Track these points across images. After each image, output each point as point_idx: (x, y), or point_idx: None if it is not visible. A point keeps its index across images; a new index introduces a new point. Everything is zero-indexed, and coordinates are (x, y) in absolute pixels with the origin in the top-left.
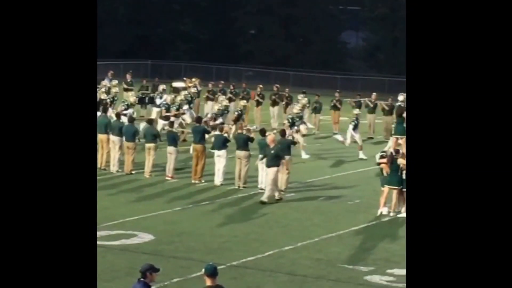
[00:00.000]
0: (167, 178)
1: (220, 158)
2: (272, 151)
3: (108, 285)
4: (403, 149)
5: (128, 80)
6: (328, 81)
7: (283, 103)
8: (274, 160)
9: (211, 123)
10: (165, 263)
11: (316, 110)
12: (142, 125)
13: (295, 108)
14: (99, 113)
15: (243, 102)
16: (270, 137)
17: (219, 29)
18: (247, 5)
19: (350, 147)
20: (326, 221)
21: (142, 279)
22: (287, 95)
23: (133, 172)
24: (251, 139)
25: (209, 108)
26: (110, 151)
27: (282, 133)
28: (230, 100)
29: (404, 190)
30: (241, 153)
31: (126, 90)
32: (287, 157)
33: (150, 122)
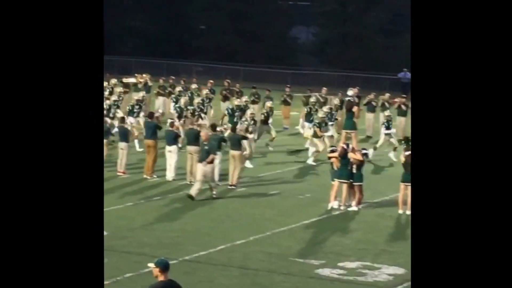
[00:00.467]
0: (119, 173)
1: (171, 154)
2: (205, 147)
3: None
4: (353, 143)
5: None
6: (279, 76)
7: (234, 98)
8: (207, 156)
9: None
10: (117, 258)
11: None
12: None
13: (321, 112)
14: None
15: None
16: (203, 133)
17: (169, 25)
18: (197, 1)
19: (299, 142)
20: (278, 215)
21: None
22: (237, 90)
23: None
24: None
25: (160, 103)
26: None
27: (233, 128)
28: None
29: (355, 184)
30: (192, 149)
31: None
32: (238, 152)
33: None
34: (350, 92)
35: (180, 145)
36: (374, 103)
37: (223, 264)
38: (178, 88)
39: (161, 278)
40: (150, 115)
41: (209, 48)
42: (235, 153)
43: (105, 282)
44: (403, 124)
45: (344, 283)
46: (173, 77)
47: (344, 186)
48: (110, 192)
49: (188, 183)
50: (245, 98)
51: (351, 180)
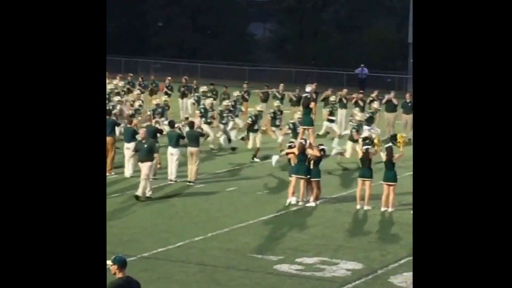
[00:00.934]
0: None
1: (129, 151)
2: (145, 146)
3: None
4: (310, 139)
5: None
6: (236, 72)
7: (192, 94)
8: (148, 155)
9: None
10: None
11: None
12: None
13: (358, 115)
14: None
15: (165, 97)
16: (141, 131)
17: (127, 22)
18: None
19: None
20: (236, 212)
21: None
22: (195, 87)
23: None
24: (160, 131)
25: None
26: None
27: (191, 124)
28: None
29: (312, 179)
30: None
31: None
32: (195, 149)
33: None
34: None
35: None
36: (332, 99)
37: (182, 260)
38: (203, 89)
39: (119, 275)
40: (108, 112)
41: (167, 45)
42: (193, 149)
43: None
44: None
45: (302, 279)
46: (131, 74)
47: (302, 182)
48: None
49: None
50: (236, 94)
51: (309, 176)
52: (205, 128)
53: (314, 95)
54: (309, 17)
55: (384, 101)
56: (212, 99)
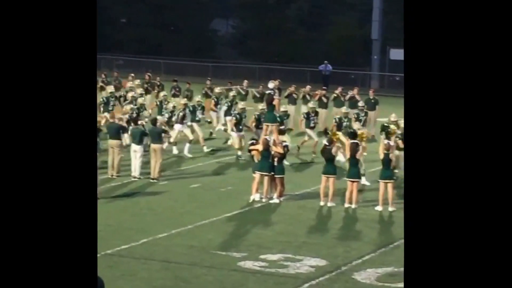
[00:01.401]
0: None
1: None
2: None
3: None
4: (274, 136)
5: None
6: (199, 69)
7: (155, 91)
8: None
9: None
10: None
11: (188, 98)
12: None
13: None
14: None
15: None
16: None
17: None
18: None
19: (220, 135)
20: (199, 208)
21: None
22: (158, 83)
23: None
24: (123, 128)
25: None
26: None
27: (153, 121)
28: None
29: (276, 176)
30: (113, 142)
31: None
32: (158, 146)
33: None
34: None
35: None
36: (295, 96)
37: (145, 257)
38: (232, 93)
39: None
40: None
41: (130, 41)
42: (156, 146)
43: None
44: (323, 116)
45: (265, 276)
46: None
47: (265, 179)
48: None
49: (110, 177)
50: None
51: (273, 173)
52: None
53: (277, 92)
54: (272, 13)
55: (347, 97)
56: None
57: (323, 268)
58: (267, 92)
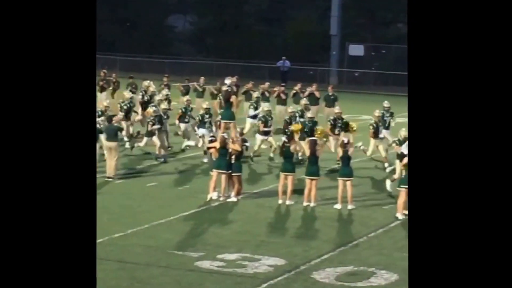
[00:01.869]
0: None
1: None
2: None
3: None
4: (232, 134)
5: None
6: (156, 65)
7: (110, 88)
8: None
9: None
10: None
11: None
12: None
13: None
14: None
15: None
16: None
17: None
18: None
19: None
20: (156, 207)
21: None
22: (114, 80)
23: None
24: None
25: None
26: None
27: (109, 119)
28: None
29: (234, 174)
30: (111, 144)
31: None
32: (114, 144)
33: None
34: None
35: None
36: (252, 92)
37: (101, 257)
38: (256, 94)
39: None
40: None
41: None
42: (111, 144)
43: None
44: (282, 113)
45: (223, 275)
46: None
47: (223, 177)
48: None
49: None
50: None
51: (230, 171)
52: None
53: (234, 88)
54: (230, 9)
55: (306, 94)
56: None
57: (281, 268)
58: (224, 89)
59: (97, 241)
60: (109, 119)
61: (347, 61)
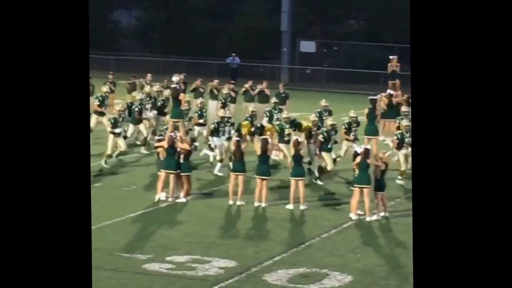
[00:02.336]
0: None
1: None
2: None
3: None
4: (180, 133)
5: None
6: (101, 62)
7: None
8: None
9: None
10: None
11: (90, 93)
12: None
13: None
14: None
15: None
16: None
17: None
18: None
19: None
20: (102, 209)
21: None
22: None
23: None
24: None
25: None
26: None
27: None
28: None
29: (182, 174)
30: None
31: None
32: None
33: None
34: (175, 78)
35: None
36: (201, 90)
37: None
38: (273, 100)
39: None
40: None
41: None
42: None
43: None
44: (232, 111)
45: (173, 278)
46: None
47: (171, 177)
48: None
49: None
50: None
51: (179, 171)
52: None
53: (182, 86)
54: (177, 4)
55: (256, 91)
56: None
57: (232, 270)
58: (172, 86)
59: None
60: None
61: (298, 58)
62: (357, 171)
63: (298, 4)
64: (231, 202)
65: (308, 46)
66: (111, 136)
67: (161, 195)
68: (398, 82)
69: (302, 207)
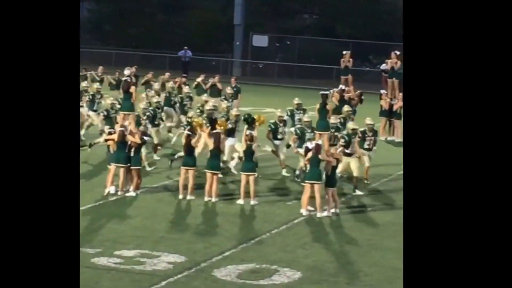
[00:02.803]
0: None
1: None
2: None
3: None
4: (131, 126)
5: None
6: None
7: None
8: None
9: None
10: None
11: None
12: None
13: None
14: None
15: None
16: None
17: None
18: None
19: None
20: None
21: None
22: None
23: None
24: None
25: None
26: None
27: None
28: None
29: (132, 168)
30: None
31: None
32: None
33: None
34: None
35: None
36: (152, 83)
37: None
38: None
39: None
40: None
41: None
42: None
43: None
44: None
45: (121, 273)
46: None
47: (121, 170)
48: None
49: None
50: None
51: (129, 164)
52: None
53: (134, 79)
54: None
55: (208, 85)
56: None
57: (181, 265)
58: (124, 79)
59: None
60: None
61: (251, 52)
62: (308, 167)
63: None
64: (181, 196)
65: (261, 40)
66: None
67: (110, 189)
68: (350, 78)
69: (252, 202)
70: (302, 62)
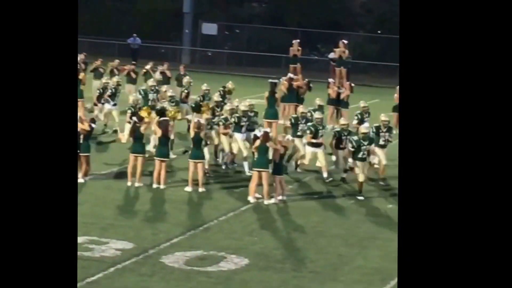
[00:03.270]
0: None
1: None
2: None
3: None
4: (80, 112)
5: None
6: None
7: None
8: None
9: None
10: None
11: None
12: None
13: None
14: None
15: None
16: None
17: None
18: None
19: None
20: None
21: None
22: None
23: None
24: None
25: None
26: None
27: None
28: None
29: (81, 154)
30: None
31: None
32: None
33: None
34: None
35: None
36: (101, 70)
37: None
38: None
39: None
40: None
41: None
42: None
43: None
44: (132, 92)
45: None
46: None
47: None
48: None
49: None
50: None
51: (78, 151)
52: None
53: (83, 66)
54: None
55: (157, 73)
56: None
57: (129, 251)
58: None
59: None
60: None
61: (200, 40)
62: (256, 155)
63: None
64: (129, 183)
65: (210, 28)
66: None
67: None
68: (299, 66)
69: (200, 189)
70: (251, 50)
